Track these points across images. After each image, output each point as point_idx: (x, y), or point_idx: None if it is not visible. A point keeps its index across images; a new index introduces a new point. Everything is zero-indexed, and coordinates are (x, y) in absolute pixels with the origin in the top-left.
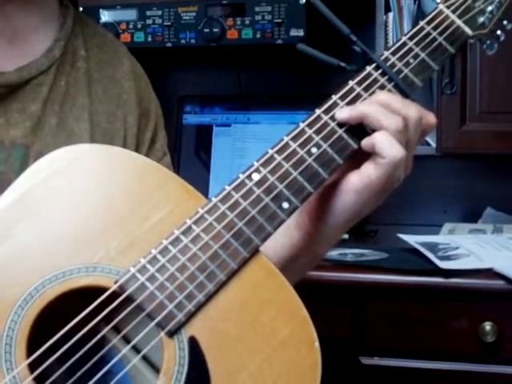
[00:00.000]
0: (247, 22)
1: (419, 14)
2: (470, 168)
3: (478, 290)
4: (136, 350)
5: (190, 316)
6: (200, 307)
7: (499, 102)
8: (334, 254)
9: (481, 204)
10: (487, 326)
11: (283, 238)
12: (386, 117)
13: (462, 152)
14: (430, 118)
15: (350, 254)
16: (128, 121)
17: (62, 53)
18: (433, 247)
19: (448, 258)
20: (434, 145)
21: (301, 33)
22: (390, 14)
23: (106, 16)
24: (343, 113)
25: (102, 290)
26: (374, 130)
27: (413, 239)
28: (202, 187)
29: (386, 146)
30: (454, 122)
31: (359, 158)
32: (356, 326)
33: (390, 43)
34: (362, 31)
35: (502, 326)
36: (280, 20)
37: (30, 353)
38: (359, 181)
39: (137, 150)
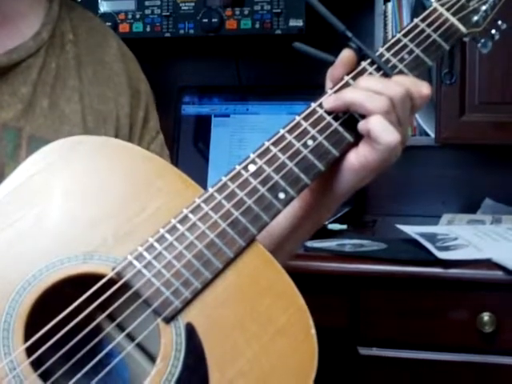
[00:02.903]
0: (246, 13)
1: (418, 4)
2: (469, 158)
3: (477, 280)
4: (132, 339)
5: (187, 303)
6: (197, 294)
7: (498, 92)
8: (332, 244)
9: (479, 195)
10: (486, 316)
11: (285, 209)
12: (370, 100)
13: (461, 142)
14: (423, 89)
15: (349, 244)
16: (120, 102)
17: (49, 36)
18: (431, 238)
19: (447, 248)
20: (432, 135)
21: (300, 23)
22: (389, 4)
23: (104, 6)
24: (329, 103)
25: (99, 278)
26: (364, 116)
27: (411, 230)
28: (201, 178)
29: (381, 132)
30: (453, 113)
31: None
32: (354, 316)
33: (389, 33)
34: (361, 21)
35: (501, 317)
36: (279, 10)
37: (27, 339)
38: (357, 162)
39: (130, 129)
